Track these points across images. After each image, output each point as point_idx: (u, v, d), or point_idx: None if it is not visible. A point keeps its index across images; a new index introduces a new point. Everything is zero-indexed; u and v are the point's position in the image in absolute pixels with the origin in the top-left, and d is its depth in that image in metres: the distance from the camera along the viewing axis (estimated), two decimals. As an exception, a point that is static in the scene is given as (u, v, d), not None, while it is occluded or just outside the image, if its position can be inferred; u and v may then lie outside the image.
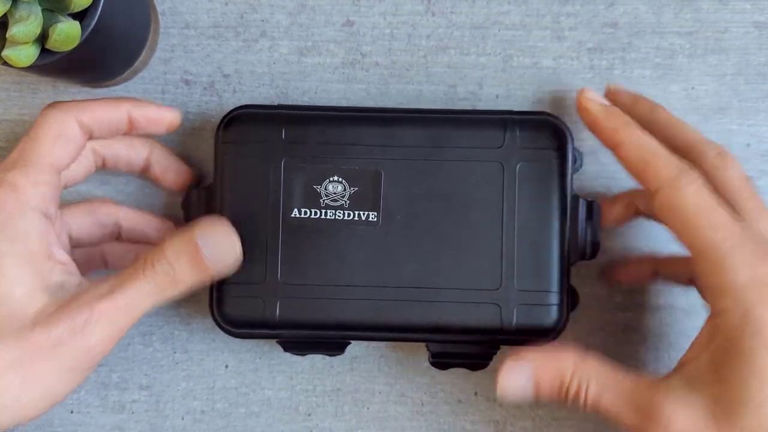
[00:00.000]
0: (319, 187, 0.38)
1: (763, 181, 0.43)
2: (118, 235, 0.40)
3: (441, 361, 0.39)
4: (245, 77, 0.44)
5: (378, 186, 0.38)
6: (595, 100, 0.36)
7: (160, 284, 0.32)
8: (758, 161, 0.43)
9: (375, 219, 0.38)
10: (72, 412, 0.43)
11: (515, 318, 0.37)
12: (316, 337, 0.39)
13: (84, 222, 0.39)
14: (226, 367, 0.43)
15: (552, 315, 0.37)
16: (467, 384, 0.43)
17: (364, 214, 0.38)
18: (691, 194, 0.31)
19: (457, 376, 0.43)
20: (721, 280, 0.30)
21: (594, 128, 0.36)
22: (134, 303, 0.32)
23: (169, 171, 0.41)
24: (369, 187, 0.38)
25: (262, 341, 0.43)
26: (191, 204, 0.40)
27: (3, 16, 0.32)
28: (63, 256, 0.34)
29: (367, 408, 0.43)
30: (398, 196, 0.38)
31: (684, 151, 0.35)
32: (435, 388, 0.43)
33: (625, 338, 0.42)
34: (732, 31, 0.43)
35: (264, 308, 0.38)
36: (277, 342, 0.40)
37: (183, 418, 0.43)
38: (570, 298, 0.38)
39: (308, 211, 0.38)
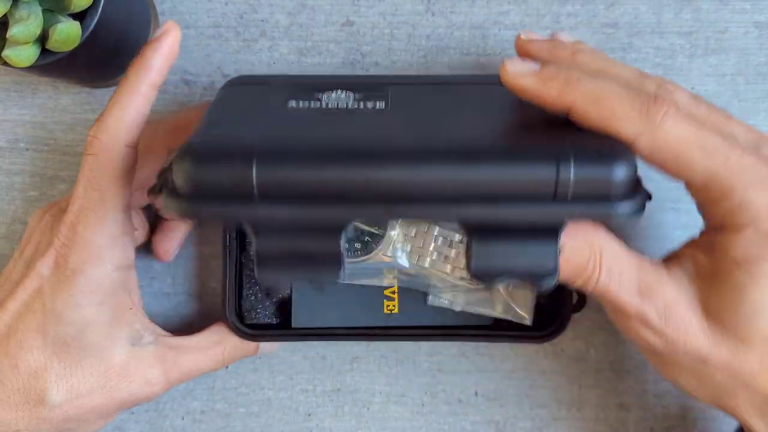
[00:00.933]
0: (322, 94, 0.32)
1: (763, 181, 0.43)
2: None
3: (487, 264, 0.28)
4: (245, 77, 0.44)
5: (386, 90, 0.33)
6: (521, 71, 0.30)
7: (225, 364, 0.40)
8: (758, 161, 0.43)
9: (383, 107, 0.32)
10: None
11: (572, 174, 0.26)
12: (304, 220, 0.27)
13: None
14: (226, 367, 0.43)
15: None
16: (467, 384, 0.43)
17: (371, 103, 0.32)
18: (671, 129, 0.28)
19: (457, 375, 0.43)
20: (731, 204, 0.29)
21: (538, 101, 0.30)
22: (196, 376, 0.39)
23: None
24: (375, 90, 0.33)
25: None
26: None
27: (3, 16, 0.32)
28: (138, 299, 0.37)
29: (368, 408, 0.43)
30: (406, 95, 0.33)
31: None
32: (435, 389, 0.43)
33: (625, 338, 0.42)
34: (732, 31, 0.43)
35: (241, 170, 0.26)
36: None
37: (183, 418, 0.43)
38: (579, 298, 0.38)
39: (309, 103, 0.32)
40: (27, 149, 0.44)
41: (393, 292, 0.40)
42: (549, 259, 0.28)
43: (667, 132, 0.28)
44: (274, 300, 0.41)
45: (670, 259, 0.33)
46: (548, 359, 0.42)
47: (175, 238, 0.41)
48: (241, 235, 0.40)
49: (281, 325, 0.41)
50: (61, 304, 0.33)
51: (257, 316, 0.41)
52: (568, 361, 0.42)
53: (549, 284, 0.28)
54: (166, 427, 0.43)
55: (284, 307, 0.41)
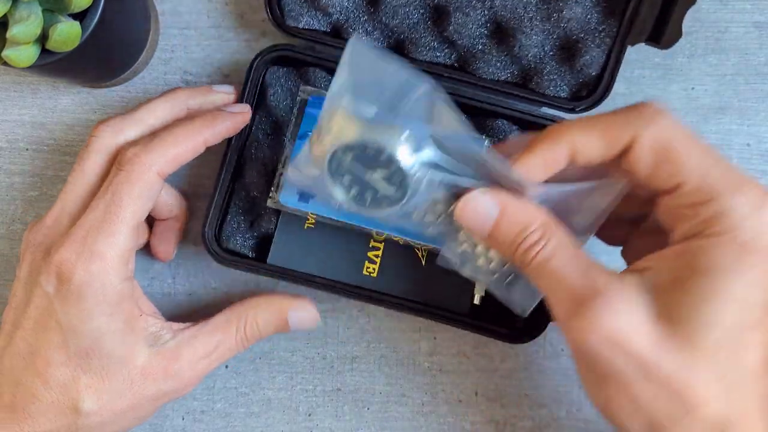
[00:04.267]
0: None
1: (763, 181, 0.43)
2: None
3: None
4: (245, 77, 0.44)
5: None
6: (517, 147, 0.32)
7: (248, 342, 0.39)
8: (758, 161, 0.43)
9: None
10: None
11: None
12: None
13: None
14: (226, 367, 0.43)
15: None
16: (467, 384, 0.43)
17: None
18: (670, 126, 0.29)
19: (457, 376, 0.43)
20: (712, 209, 0.28)
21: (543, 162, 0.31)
22: (224, 359, 0.39)
23: (163, 203, 0.41)
24: None
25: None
26: None
27: (3, 16, 0.32)
28: (147, 305, 0.38)
29: (368, 408, 0.43)
30: None
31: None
32: (435, 389, 0.43)
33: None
34: (732, 31, 0.43)
35: None
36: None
37: (183, 418, 0.43)
38: None
39: None
40: (27, 149, 0.44)
41: (377, 256, 0.40)
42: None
43: (666, 128, 0.29)
44: (255, 234, 0.41)
45: (629, 270, 0.30)
46: (548, 359, 0.42)
47: (172, 238, 0.41)
48: (239, 165, 0.40)
49: (256, 260, 0.41)
50: (75, 319, 0.34)
51: (235, 244, 0.41)
52: (568, 361, 0.42)
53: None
54: (167, 427, 0.43)
55: (264, 245, 0.41)
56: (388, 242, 0.40)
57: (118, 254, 0.34)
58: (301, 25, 0.41)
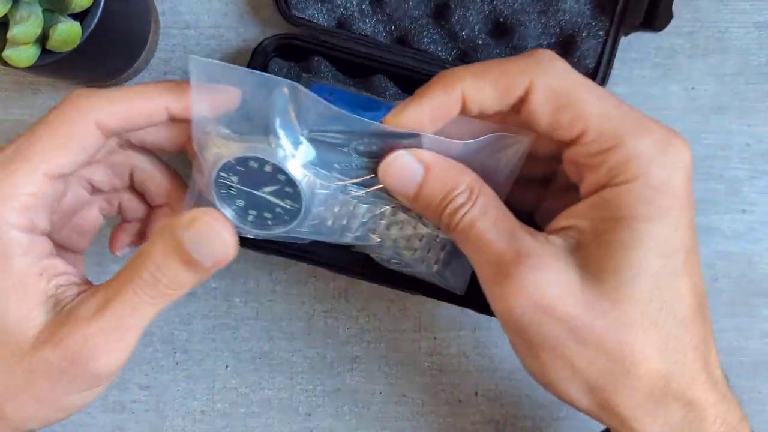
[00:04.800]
0: None
1: (763, 181, 0.43)
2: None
3: None
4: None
5: None
6: (401, 106, 0.29)
7: (152, 293, 0.29)
8: (758, 161, 0.43)
9: None
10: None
11: None
12: None
13: (103, 173, 0.34)
14: (226, 367, 0.43)
15: None
16: (467, 384, 0.43)
17: None
18: (565, 72, 0.28)
19: (457, 376, 0.43)
20: (618, 154, 0.27)
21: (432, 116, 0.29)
22: (129, 320, 0.29)
23: (157, 184, 0.35)
24: None
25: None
26: None
27: (4, 16, 0.32)
28: (58, 265, 0.31)
29: (368, 408, 0.43)
30: None
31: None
32: (435, 389, 0.43)
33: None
34: (732, 31, 0.43)
35: None
36: None
37: (183, 418, 0.43)
38: None
39: None
40: (27, 149, 0.44)
41: None
42: None
43: (562, 74, 0.28)
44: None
45: (550, 230, 0.29)
46: (548, 359, 0.42)
47: (129, 234, 0.37)
48: None
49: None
50: None
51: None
52: (568, 361, 0.42)
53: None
54: (166, 427, 0.43)
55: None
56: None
57: (10, 197, 0.29)
58: (306, 17, 0.41)
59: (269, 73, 0.41)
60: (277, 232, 0.31)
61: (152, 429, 0.43)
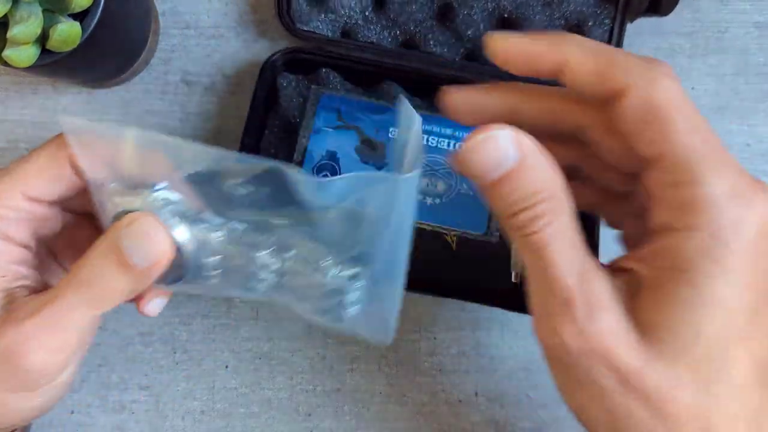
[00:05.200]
0: None
1: (763, 181, 0.43)
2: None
3: None
4: (245, 78, 0.44)
5: None
6: (507, 38, 0.28)
7: (88, 295, 0.29)
8: (758, 161, 0.43)
9: None
10: (72, 412, 0.43)
11: None
12: None
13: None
14: (226, 367, 0.43)
15: None
16: (467, 384, 0.43)
17: None
18: (668, 88, 0.26)
19: (457, 376, 0.43)
20: (691, 192, 0.25)
21: (528, 63, 0.28)
22: (64, 320, 0.29)
23: None
24: None
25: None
26: None
27: (3, 16, 0.32)
28: (20, 271, 0.32)
29: (368, 408, 0.43)
30: None
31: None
32: (435, 389, 0.43)
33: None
34: (732, 31, 0.43)
35: None
36: None
37: (183, 419, 0.43)
38: None
39: None
40: (27, 149, 0.44)
41: None
42: None
43: (663, 89, 0.26)
44: None
45: (614, 270, 0.27)
46: (548, 359, 0.42)
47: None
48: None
49: None
50: None
51: None
52: (568, 361, 0.42)
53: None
54: (166, 427, 0.43)
55: None
56: (416, 231, 0.39)
57: None
58: (310, 29, 0.41)
59: (279, 88, 0.41)
60: (180, 287, 0.30)
61: (152, 429, 0.43)
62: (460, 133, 0.40)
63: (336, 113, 0.40)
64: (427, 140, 0.40)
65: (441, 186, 0.39)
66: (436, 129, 0.40)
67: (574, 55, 0.26)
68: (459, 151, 0.25)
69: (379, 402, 0.43)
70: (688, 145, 0.25)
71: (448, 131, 0.40)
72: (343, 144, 0.40)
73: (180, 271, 0.30)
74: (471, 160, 0.25)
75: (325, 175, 0.39)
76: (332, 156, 0.40)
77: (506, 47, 0.27)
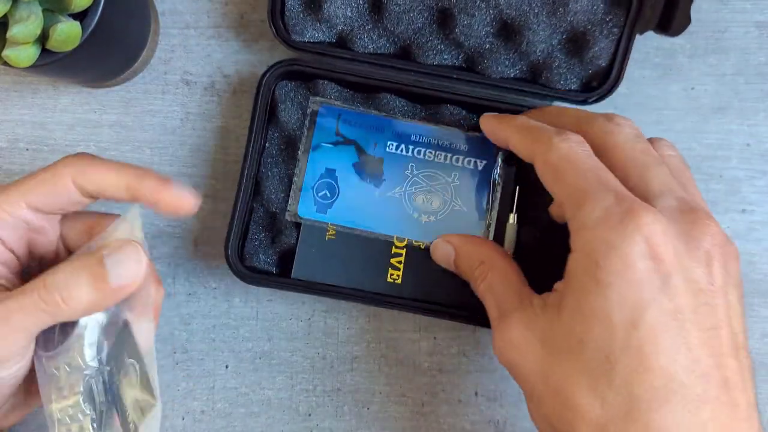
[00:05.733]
0: None
1: (763, 181, 0.43)
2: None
3: None
4: (245, 77, 0.44)
5: None
6: (489, 115, 0.39)
7: (48, 302, 0.30)
8: (758, 161, 0.43)
9: None
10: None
11: None
12: None
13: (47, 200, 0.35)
14: (226, 367, 0.43)
15: None
16: (467, 384, 0.43)
17: None
18: (564, 149, 0.32)
19: (457, 376, 0.43)
20: (575, 221, 0.31)
21: (494, 138, 0.38)
22: (14, 318, 0.30)
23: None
24: None
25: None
26: None
27: (3, 16, 0.32)
28: (5, 275, 0.33)
29: (368, 408, 0.43)
30: None
31: (574, 126, 0.35)
32: (435, 388, 0.43)
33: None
34: (732, 31, 0.43)
35: None
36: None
37: (183, 418, 0.43)
38: None
39: None
40: (27, 149, 0.44)
41: (399, 262, 0.40)
42: None
43: (557, 151, 0.32)
44: (278, 249, 0.41)
45: (543, 294, 0.34)
46: (548, 359, 0.42)
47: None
48: (256, 182, 0.41)
49: (281, 275, 0.41)
50: None
51: (259, 261, 0.41)
52: (568, 361, 0.42)
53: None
54: (167, 427, 0.43)
55: (286, 259, 0.41)
56: (410, 248, 0.40)
57: None
58: (306, 39, 0.40)
59: (277, 100, 0.41)
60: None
61: (152, 429, 0.43)
62: (460, 146, 0.41)
63: (334, 127, 0.40)
64: (424, 154, 0.40)
65: (436, 202, 0.40)
66: (433, 141, 0.41)
67: (513, 135, 0.36)
68: (431, 254, 0.40)
69: (379, 402, 0.43)
70: (573, 186, 0.31)
71: (446, 143, 0.41)
72: (342, 160, 0.40)
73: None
74: (436, 259, 0.39)
75: (325, 194, 0.40)
76: (331, 174, 0.40)
77: (483, 125, 0.39)
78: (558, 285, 0.32)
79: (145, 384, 0.32)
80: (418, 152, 0.40)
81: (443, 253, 0.39)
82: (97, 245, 0.32)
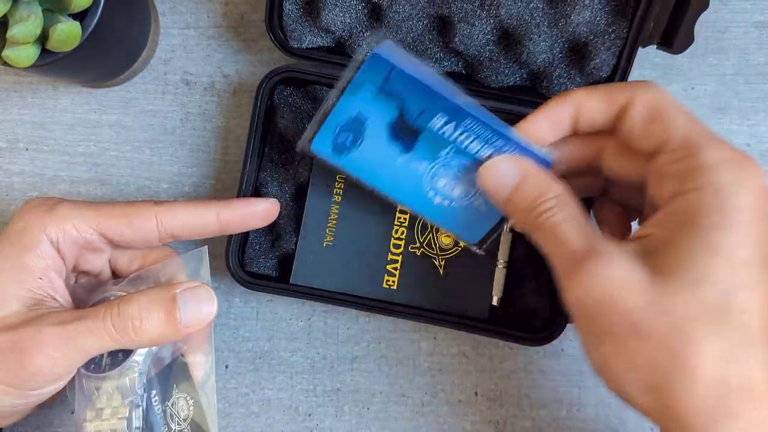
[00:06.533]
0: None
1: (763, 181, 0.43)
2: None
3: None
4: (245, 77, 0.44)
5: None
6: (531, 115, 0.34)
7: (119, 329, 0.32)
8: (758, 161, 0.43)
9: None
10: (73, 412, 0.43)
11: None
12: None
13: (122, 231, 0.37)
14: (226, 367, 0.43)
15: None
16: (467, 384, 0.43)
17: None
18: (665, 93, 0.32)
19: (457, 376, 0.43)
20: (693, 162, 0.29)
21: (552, 120, 0.34)
22: (81, 339, 0.32)
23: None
24: None
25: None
26: None
27: (3, 16, 0.32)
28: (57, 284, 0.35)
29: (368, 408, 0.43)
30: None
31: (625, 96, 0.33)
32: (435, 388, 0.43)
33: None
34: (732, 31, 0.43)
35: None
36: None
37: (183, 418, 0.43)
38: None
39: None
40: (27, 149, 0.44)
41: (395, 268, 0.40)
42: None
43: (660, 93, 0.31)
44: (277, 254, 0.41)
45: (630, 238, 0.31)
46: (548, 359, 0.42)
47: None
48: (256, 187, 0.41)
49: (280, 280, 0.41)
50: None
51: (259, 266, 0.41)
52: (568, 361, 0.42)
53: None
54: (166, 427, 0.43)
55: (285, 263, 0.41)
56: (406, 254, 0.41)
57: (58, 220, 0.34)
58: (304, 45, 0.40)
59: (276, 99, 0.41)
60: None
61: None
62: (509, 150, 0.34)
63: (384, 76, 0.33)
64: (468, 145, 0.35)
65: (457, 191, 0.36)
66: (483, 135, 0.34)
67: (581, 95, 0.33)
68: (478, 178, 0.33)
69: (379, 402, 0.43)
70: (687, 128, 0.30)
71: (496, 142, 0.35)
72: (378, 113, 0.34)
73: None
74: (485, 184, 0.33)
75: (346, 140, 0.36)
76: (360, 123, 0.35)
77: (527, 126, 0.34)
78: (652, 229, 0.29)
79: (199, 417, 0.35)
80: (462, 141, 0.35)
81: (503, 175, 0.33)
82: (166, 277, 0.36)
